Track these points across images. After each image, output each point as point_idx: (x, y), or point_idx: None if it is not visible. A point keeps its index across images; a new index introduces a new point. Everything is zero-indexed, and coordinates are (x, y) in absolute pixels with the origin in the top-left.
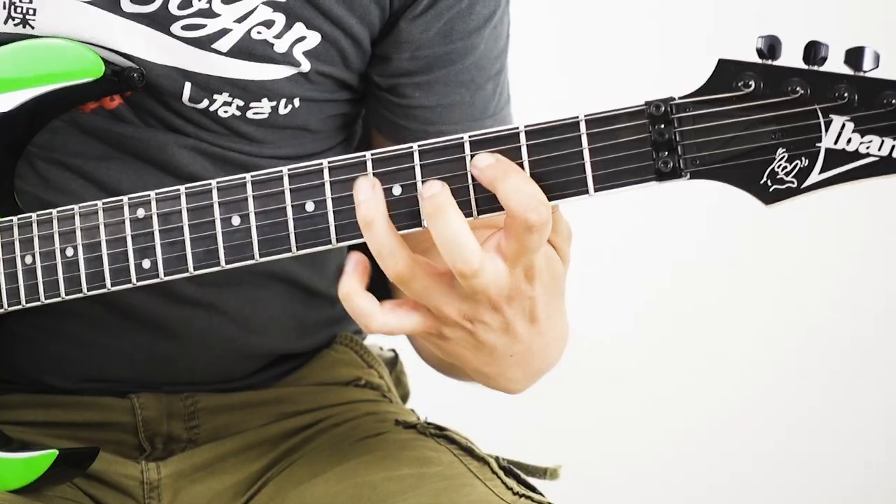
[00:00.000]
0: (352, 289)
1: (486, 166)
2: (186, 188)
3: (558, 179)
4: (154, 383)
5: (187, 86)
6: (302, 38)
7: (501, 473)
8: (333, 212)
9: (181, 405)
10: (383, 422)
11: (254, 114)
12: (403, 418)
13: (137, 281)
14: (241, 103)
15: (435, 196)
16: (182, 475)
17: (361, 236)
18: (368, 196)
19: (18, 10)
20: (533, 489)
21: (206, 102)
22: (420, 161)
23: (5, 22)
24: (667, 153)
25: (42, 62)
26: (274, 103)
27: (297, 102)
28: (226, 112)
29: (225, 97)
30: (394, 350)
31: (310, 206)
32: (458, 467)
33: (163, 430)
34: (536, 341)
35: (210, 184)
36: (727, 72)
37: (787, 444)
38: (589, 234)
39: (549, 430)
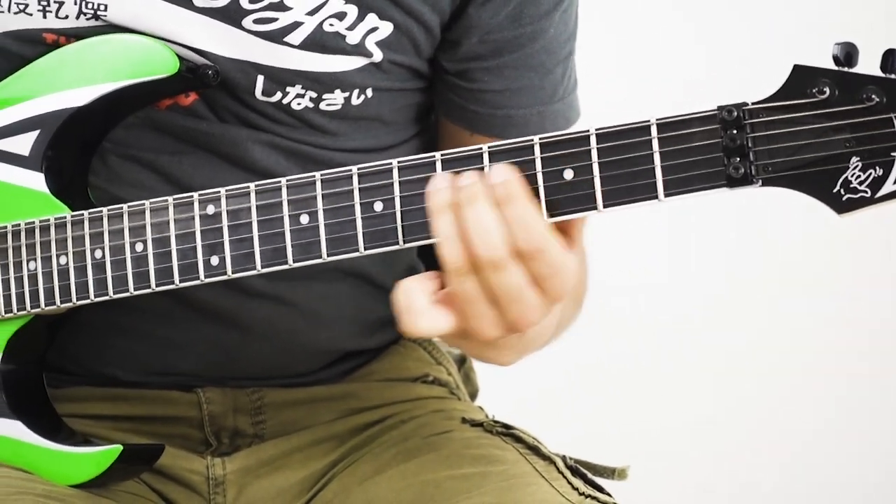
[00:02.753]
0: (416, 284)
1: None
2: (256, 185)
3: (628, 184)
4: (220, 377)
5: (260, 79)
6: (374, 29)
7: (568, 473)
8: (402, 212)
9: (247, 400)
10: (450, 419)
11: (327, 105)
12: (470, 416)
13: (205, 277)
14: (314, 95)
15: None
16: (248, 471)
17: (428, 238)
18: (446, 186)
19: (90, 5)
20: (600, 489)
21: (279, 95)
22: (490, 162)
23: (77, 17)
24: (738, 159)
25: (117, 57)
26: (346, 94)
27: (369, 93)
28: (299, 104)
29: (298, 89)
30: None
31: (378, 206)
32: (524, 466)
33: (229, 424)
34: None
35: (280, 181)
36: (802, 78)
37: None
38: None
39: (619, 429)
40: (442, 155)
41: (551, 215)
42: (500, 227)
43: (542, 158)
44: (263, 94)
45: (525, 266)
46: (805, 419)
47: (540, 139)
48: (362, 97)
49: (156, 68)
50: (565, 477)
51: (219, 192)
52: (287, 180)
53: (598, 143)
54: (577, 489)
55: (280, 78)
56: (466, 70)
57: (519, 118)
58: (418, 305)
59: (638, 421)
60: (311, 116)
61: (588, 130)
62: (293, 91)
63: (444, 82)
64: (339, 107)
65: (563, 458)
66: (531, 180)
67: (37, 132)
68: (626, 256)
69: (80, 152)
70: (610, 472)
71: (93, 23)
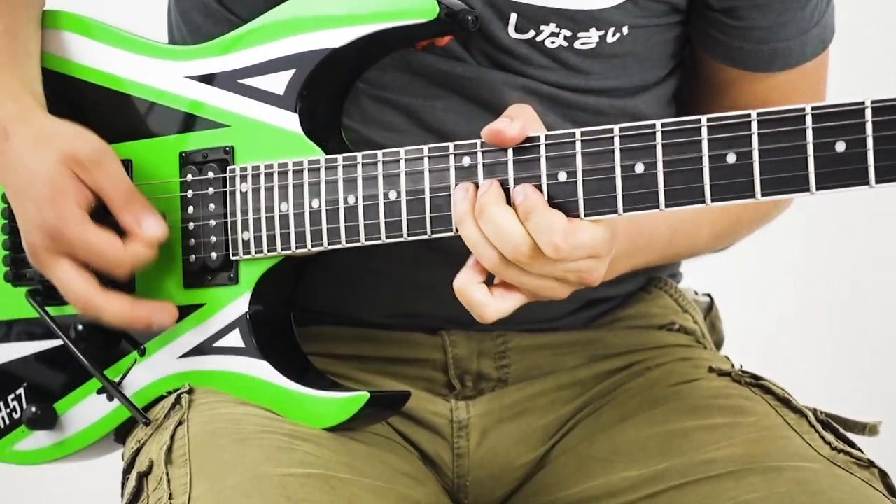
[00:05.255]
0: (467, 281)
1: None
2: None
3: None
4: (465, 320)
5: (513, 17)
6: None
7: (819, 427)
8: (664, 173)
9: (491, 344)
10: (697, 368)
11: (581, 44)
12: (717, 365)
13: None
14: (569, 33)
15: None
16: (491, 415)
17: (690, 203)
18: (463, 196)
19: None
20: (852, 444)
21: (532, 33)
22: (758, 130)
23: None
24: None
25: (377, 0)
26: (602, 32)
27: (625, 30)
28: (553, 43)
29: (552, 27)
30: (709, 295)
31: (639, 168)
32: (774, 418)
33: (472, 368)
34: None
35: (539, 138)
36: None
37: None
38: None
39: (870, 383)
40: (708, 120)
41: (820, 188)
42: (519, 230)
43: (813, 129)
44: (516, 30)
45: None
46: None
47: (812, 108)
48: (617, 35)
49: (416, 12)
50: (817, 430)
51: (475, 144)
52: (546, 136)
53: (873, 117)
54: (829, 443)
55: (534, 15)
56: (734, 8)
57: (782, 50)
58: (479, 299)
59: (889, 374)
60: (564, 55)
61: (863, 102)
62: (547, 29)
63: (707, 19)
64: (593, 45)
65: (814, 412)
66: (800, 150)
67: (292, 71)
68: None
69: (335, 93)
70: (861, 428)
71: None
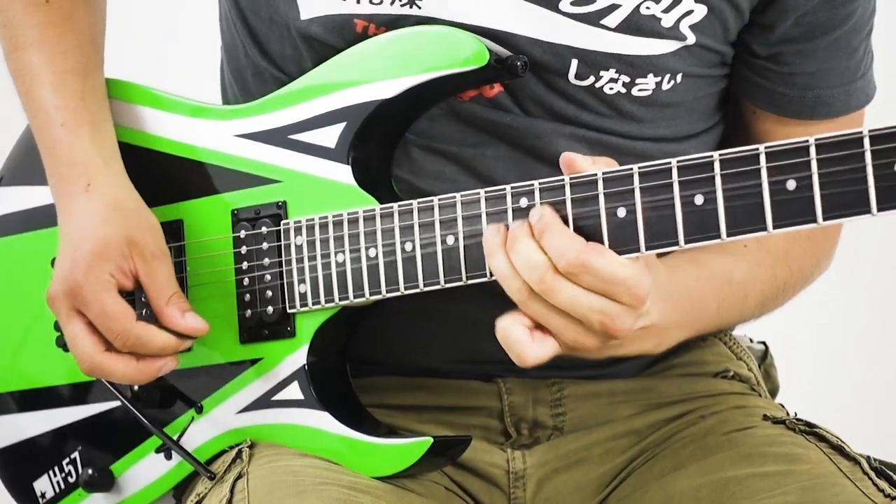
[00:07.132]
0: (510, 322)
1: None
2: (571, 178)
3: None
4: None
5: (574, 63)
6: (689, 12)
7: (872, 474)
8: (725, 206)
9: (547, 391)
10: (751, 416)
11: (639, 90)
12: (772, 413)
13: None
14: (627, 79)
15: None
16: (547, 465)
17: (752, 231)
18: (494, 234)
19: None
20: None
21: (591, 79)
22: (817, 155)
23: (392, 3)
24: None
25: (425, 50)
26: (658, 79)
27: (679, 78)
28: (611, 89)
29: (611, 73)
30: (764, 343)
31: (699, 200)
32: (828, 466)
33: (529, 416)
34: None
35: (596, 175)
36: None
37: None
38: None
39: None
40: (766, 147)
41: (881, 209)
42: (541, 257)
43: (871, 152)
44: (577, 77)
45: (577, 282)
46: None
47: (870, 132)
48: (672, 82)
49: (465, 60)
50: (870, 478)
51: (532, 185)
52: (603, 173)
53: None
54: (882, 491)
55: (594, 61)
56: (779, 54)
57: (826, 98)
58: (519, 338)
59: None
60: (621, 102)
61: None
62: (606, 75)
63: (752, 67)
64: (649, 92)
65: (868, 459)
66: (859, 172)
67: (343, 124)
68: None
69: (386, 144)
70: None
71: (407, 9)
